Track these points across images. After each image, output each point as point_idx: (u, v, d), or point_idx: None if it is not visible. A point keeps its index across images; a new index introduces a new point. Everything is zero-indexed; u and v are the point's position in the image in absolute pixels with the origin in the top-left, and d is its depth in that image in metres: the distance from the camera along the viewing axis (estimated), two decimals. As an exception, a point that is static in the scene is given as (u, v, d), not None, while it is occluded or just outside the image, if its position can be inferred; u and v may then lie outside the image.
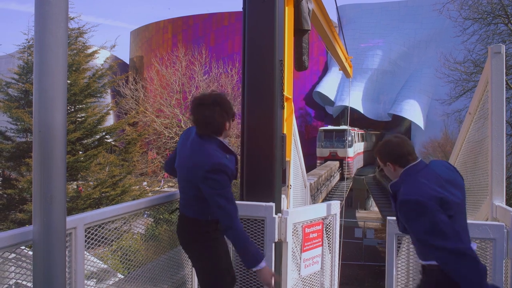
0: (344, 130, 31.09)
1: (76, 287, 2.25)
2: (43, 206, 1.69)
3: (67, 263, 2.15)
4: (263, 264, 2.58)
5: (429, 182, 2.37)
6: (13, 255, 2.05)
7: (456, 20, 17.56)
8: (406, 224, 2.40)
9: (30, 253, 2.54)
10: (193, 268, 3.57)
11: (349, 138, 30.74)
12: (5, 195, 12.03)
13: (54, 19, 1.68)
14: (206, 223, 2.75)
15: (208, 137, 2.67)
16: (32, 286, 2.08)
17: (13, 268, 2.14)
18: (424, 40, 43.69)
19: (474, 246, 2.43)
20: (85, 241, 2.39)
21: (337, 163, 30.09)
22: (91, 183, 12.43)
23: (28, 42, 13.64)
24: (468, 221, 2.56)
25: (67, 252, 2.13)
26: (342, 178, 28.10)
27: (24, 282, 2.20)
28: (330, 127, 34.22)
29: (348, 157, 29.54)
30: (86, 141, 12.86)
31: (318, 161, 31.32)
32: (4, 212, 11.77)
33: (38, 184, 1.70)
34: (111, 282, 3.28)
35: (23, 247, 2.06)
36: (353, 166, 32.44)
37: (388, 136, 2.70)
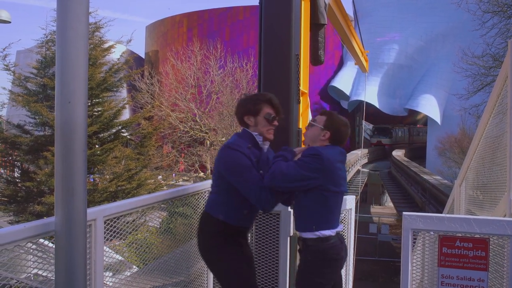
0: (386, 127, 46.31)
1: (95, 277, 2.29)
2: (64, 198, 1.73)
3: (87, 254, 2.20)
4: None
5: None
6: (32, 245, 2.10)
7: (475, 13, 17.23)
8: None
9: (46, 243, 2.60)
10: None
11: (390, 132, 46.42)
12: (24, 188, 12.25)
13: (75, 14, 1.72)
14: (214, 222, 2.72)
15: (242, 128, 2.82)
16: (49, 276, 2.14)
17: (30, 257, 2.20)
18: (441, 34, 42.99)
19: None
20: (104, 232, 2.43)
21: (351, 158, 30.21)
22: (107, 176, 12.59)
23: (46, 37, 13.79)
24: (485, 217, 2.54)
25: (87, 243, 2.17)
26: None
27: (40, 272, 2.25)
28: (379, 126, 46.68)
29: (386, 144, 45.29)
30: (102, 135, 12.99)
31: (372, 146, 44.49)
32: (23, 204, 11.99)
33: (60, 177, 1.74)
34: (127, 274, 3.34)
35: (42, 240, 2.11)
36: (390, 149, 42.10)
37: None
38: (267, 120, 2.73)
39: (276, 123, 2.77)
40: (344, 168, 2.78)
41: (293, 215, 2.77)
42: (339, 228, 2.68)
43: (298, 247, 2.79)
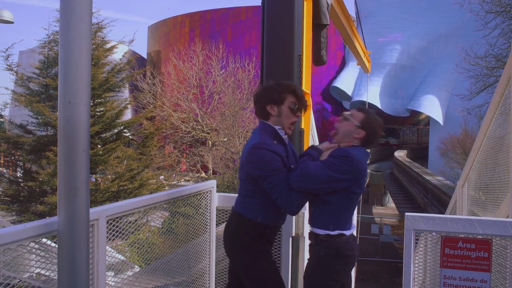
0: (393, 128, 47.64)
1: (98, 277, 2.30)
2: (67, 197, 1.74)
3: (89, 253, 2.20)
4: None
5: None
6: (34, 245, 2.10)
7: (477, 13, 17.19)
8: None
9: (49, 242, 2.61)
10: (211, 260, 3.61)
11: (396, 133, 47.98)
12: (26, 188, 12.26)
13: (78, 14, 1.72)
14: (253, 224, 2.61)
15: (261, 122, 2.69)
16: (52, 276, 2.14)
17: (33, 256, 2.20)
18: (444, 35, 42.90)
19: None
20: (106, 232, 2.43)
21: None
22: (109, 176, 12.60)
23: (49, 37, 13.81)
24: (488, 218, 2.53)
25: (89, 243, 2.17)
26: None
27: (43, 271, 2.25)
28: (387, 126, 48.19)
29: (394, 144, 46.26)
30: (104, 135, 13.00)
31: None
32: (25, 204, 11.99)
33: (63, 176, 1.74)
34: (129, 274, 3.35)
35: (45, 239, 2.11)
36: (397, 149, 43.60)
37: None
38: (291, 110, 2.61)
39: (299, 114, 2.67)
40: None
41: (310, 209, 2.67)
42: (353, 229, 2.63)
43: (309, 241, 2.72)
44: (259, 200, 2.59)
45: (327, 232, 2.52)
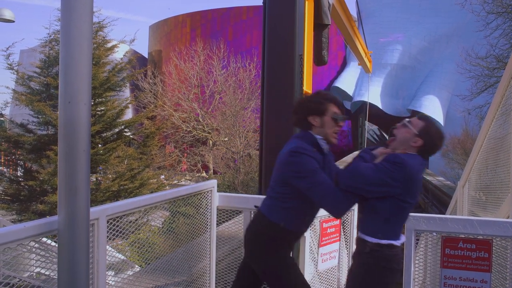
0: None
1: (98, 276, 2.30)
2: (68, 197, 1.74)
3: (90, 253, 2.20)
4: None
5: None
6: (34, 244, 2.10)
7: (479, 14, 17.18)
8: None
9: (49, 242, 2.61)
10: (211, 260, 3.61)
11: None
12: (27, 187, 12.27)
13: (79, 13, 1.72)
14: (273, 227, 2.58)
15: (301, 131, 2.66)
16: (52, 275, 2.14)
17: (33, 256, 2.20)
18: (445, 35, 42.88)
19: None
20: (107, 231, 2.43)
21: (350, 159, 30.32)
22: (110, 176, 12.60)
23: (50, 36, 13.82)
24: (488, 219, 2.53)
25: (90, 242, 2.17)
26: None
27: (43, 271, 2.25)
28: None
29: None
30: (105, 134, 13.00)
31: None
32: (25, 203, 12.00)
33: (63, 176, 1.74)
34: (129, 273, 3.34)
35: (45, 238, 2.11)
36: None
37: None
38: (334, 120, 2.57)
39: (342, 124, 2.62)
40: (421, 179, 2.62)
41: (359, 215, 2.59)
42: (403, 240, 2.53)
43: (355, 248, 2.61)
44: (287, 205, 2.56)
45: (377, 240, 2.42)
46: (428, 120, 2.56)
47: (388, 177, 2.35)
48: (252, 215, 2.94)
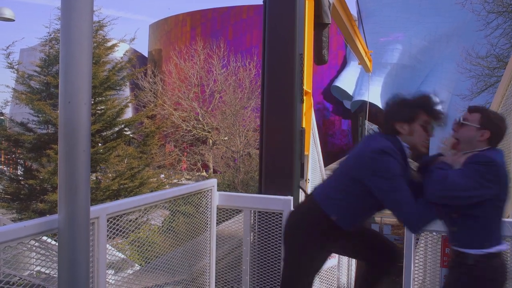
0: None
1: (98, 275, 2.30)
2: (68, 196, 1.74)
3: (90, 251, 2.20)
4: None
5: None
6: (35, 243, 2.10)
7: (479, 13, 17.17)
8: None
9: (49, 240, 2.61)
10: (211, 259, 3.61)
11: None
12: (27, 186, 12.28)
13: (79, 12, 1.72)
14: (323, 218, 2.46)
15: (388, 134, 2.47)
16: (52, 274, 2.14)
17: (33, 254, 2.20)
18: (445, 34, 42.85)
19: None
20: (107, 230, 2.43)
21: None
22: (110, 174, 12.61)
23: (50, 35, 13.81)
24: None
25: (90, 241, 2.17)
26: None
27: (43, 269, 2.25)
28: None
29: None
30: (105, 133, 13.01)
31: None
32: (25, 202, 12.01)
33: (63, 175, 1.74)
34: (129, 272, 3.35)
35: (45, 237, 2.11)
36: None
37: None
38: (424, 129, 2.39)
39: (432, 134, 2.44)
40: None
41: (452, 229, 2.36)
42: (505, 245, 2.33)
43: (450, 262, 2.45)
44: (346, 201, 2.45)
45: (485, 251, 2.21)
46: (483, 109, 2.39)
47: (484, 179, 2.17)
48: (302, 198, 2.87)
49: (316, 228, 2.49)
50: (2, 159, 14.16)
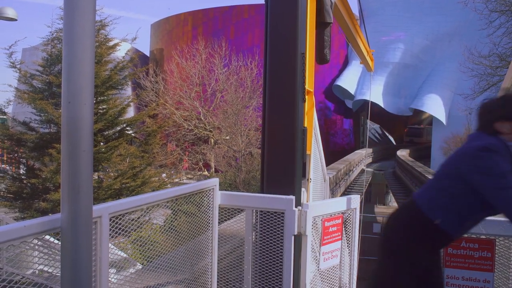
0: (418, 128, 54.13)
1: (101, 274, 2.30)
2: (70, 195, 1.74)
3: (92, 250, 2.20)
4: None
5: None
6: (37, 242, 2.11)
7: (481, 12, 17.14)
8: None
9: (52, 239, 2.62)
10: (213, 258, 3.62)
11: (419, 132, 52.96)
12: (29, 185, 12.30)
13: (82, 12, 1.72)
14: (426, 222, 2.33)
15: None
16: (55, 272, 2.15)
17: (36, 253, 2.21)
18: (447, 34, 42.79)
19: None
20: (109, 229, 2.43)
21: (356, 158, 30.23)
22: (111, 174, 12.62)
23: (52, 34, 13.83)
24: (491, 218, 2.52)
25: (92, 240, 2.18)
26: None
27: (46, 268, 2.26)
28: (412, 126, 54.38)
29: (418, 142, 49.89)
30: (107, 132, 13.03)
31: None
32: (28, 201, 12.04)
33: (66, 174, 1.74)
34: (131, 271, 3.35)
35: (47, 236, 2.12)
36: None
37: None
38: None
39: None
40: None
41: None
42: None
43: None
44: (451, 202, 2.32)
45: None
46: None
47: None
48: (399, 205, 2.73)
49: (418, 235, 2.36)
50: (5, 158, 14.19)
